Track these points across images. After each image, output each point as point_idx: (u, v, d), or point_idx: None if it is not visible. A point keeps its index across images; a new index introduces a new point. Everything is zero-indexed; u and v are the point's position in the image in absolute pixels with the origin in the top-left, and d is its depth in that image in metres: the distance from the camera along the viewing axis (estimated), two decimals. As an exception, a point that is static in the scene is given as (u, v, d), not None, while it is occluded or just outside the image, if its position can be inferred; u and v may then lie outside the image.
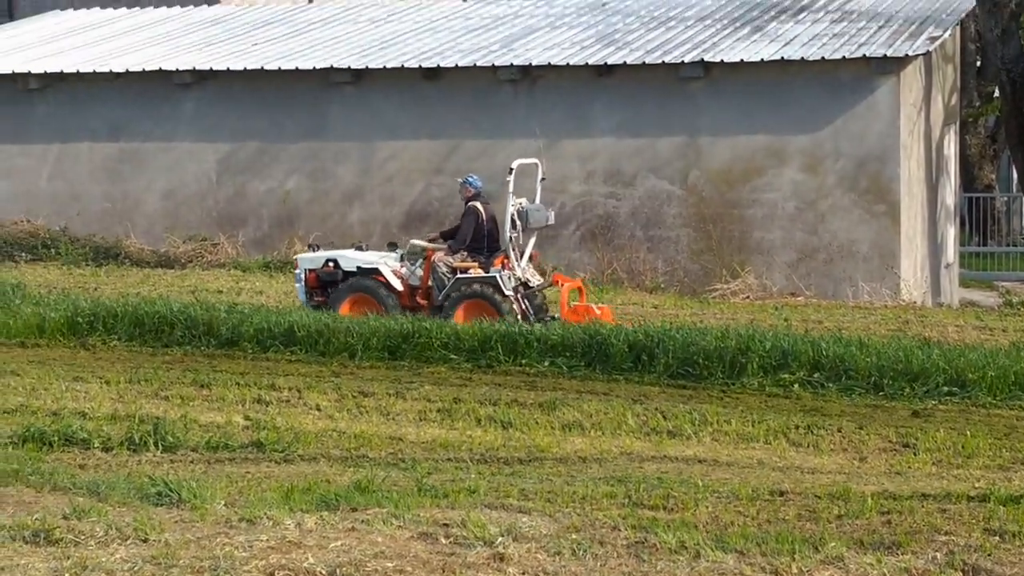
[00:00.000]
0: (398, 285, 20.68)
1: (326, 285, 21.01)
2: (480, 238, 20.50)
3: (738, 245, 26.02)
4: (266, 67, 28.26)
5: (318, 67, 27.96)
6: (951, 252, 30.29)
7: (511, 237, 20.43)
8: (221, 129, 28.84)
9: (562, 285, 20.89)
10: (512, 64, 26.93)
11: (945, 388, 16.67)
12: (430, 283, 20.60)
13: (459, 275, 20.33)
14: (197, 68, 28.73)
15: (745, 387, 17.10)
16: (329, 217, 28.17)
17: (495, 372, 18.11)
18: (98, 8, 36.62)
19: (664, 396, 16.81)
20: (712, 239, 26.09)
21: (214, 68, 28.63)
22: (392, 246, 21.73)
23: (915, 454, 14.30)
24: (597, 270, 26.28)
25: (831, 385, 16.96)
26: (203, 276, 26.77)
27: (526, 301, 20.47)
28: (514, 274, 20.35)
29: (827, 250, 25.69)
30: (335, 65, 27.92)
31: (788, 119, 25.81)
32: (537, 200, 21.34)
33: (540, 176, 21.66)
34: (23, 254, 28.63)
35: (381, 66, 27.66)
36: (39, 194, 29.89)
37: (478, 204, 20.64)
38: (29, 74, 29.62)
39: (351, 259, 21.03)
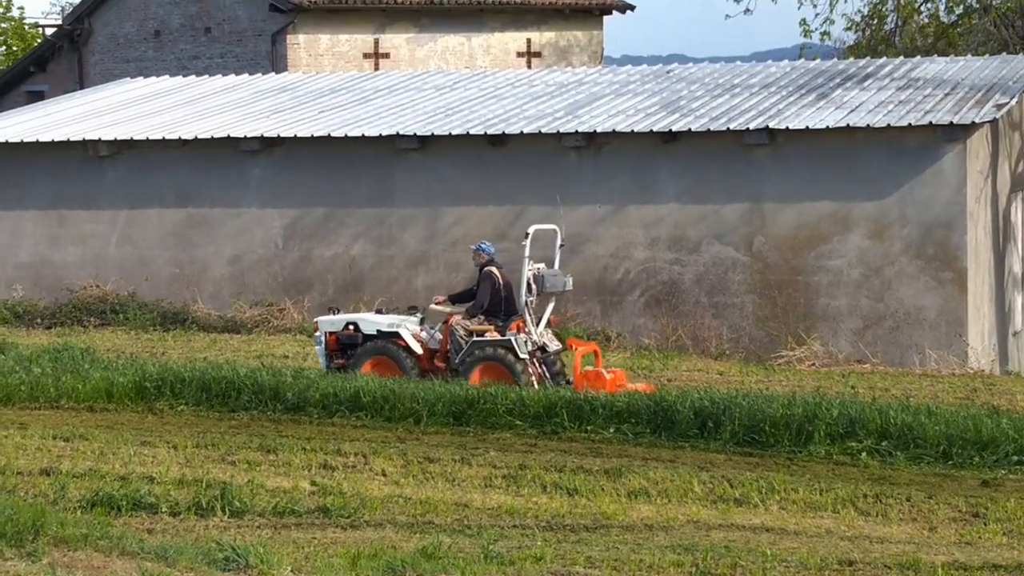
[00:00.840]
0: (418, 348, 20.97)
1: (346, 348, 21.29)
2: (497, 302, 20.81)
3: (803, 312, 25.91)
4: (333, 134, 28.49)
5: (384, 134, 28.17)
6: (1019, 320, 30.02)
7: (527, 301, 20.73)
8: (288, 195, 29.07)
9: (576, 349, 21.09)
10: (577, 131, 27.04)
11: (1015, 457, 16.50)
12: (448, 346, 20.86)
13: (475, 338, 20.60)
14: (265, 135, 29.00)
15: (812, 455, 16.99)
16: (394, 282, 28.29)
17: (560, 439, 18.09)
18: (167, 76, 37.05)
19: (730, 464, 16.73)
20: (777, 305, 26.01)
21: (281, 135, 28.89)
22: (412, 310, 22.06)
23: (985, 524, 14.16)
24: (661, 336, 26.24)
25: (899, 454, 16.83)
26: (269, 341, 26.91)
27: (543, 366, 20.76)
28: (530, 338, 20.63)
29: (894, 317, 25.55)
30: (401, 132, 28.13)
31: (854, 185, 25.75)
32: (556, 266, 21.65)
33: (559, 242, 21.94)
34: (92, 319, 28.88)
35: (447, 133, 27.83)
36: (108, 259, 30.19)
37: (494, 269, 21.04)
38: (100, 141, 29.98)
39: (371, 322, 21.30)
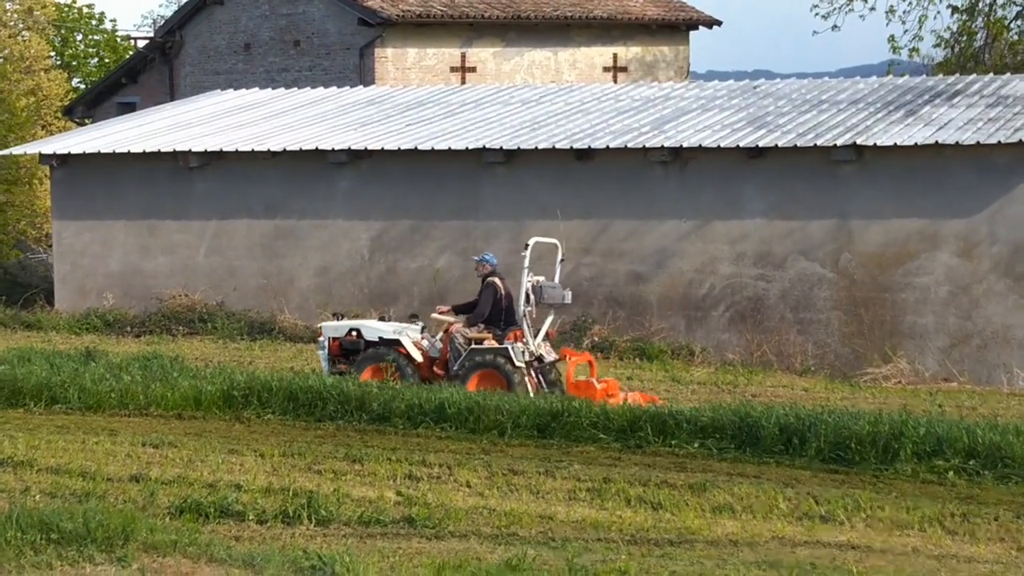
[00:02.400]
0: (418, 356, 21.61)
1: (349, 353, 21.95)
2: (497, 312, 21.50)
3: (890, 329, 25.75)
4: (419, 147, 28.65)
5: (471, 147, 28.29)
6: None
7: (525, 312, 21.32)
8: (374, 207, 29.27)
9: (570, 359, 21.53)
10: (663, 146, 27.04)
11: (1104, 478, 16.33)
12: (448, 354, 21.42)
13: (474, 346, 21.22)
14: (352, 148, 29.21)
15: (898, 473, 16.88)
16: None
17: (644, 452, 18.08)
18: (256, 88, 37.40)
19: (816, 480, 16.66)
20: (863, 322, 25.86)
21: (369, 148, 29.08)
22: (413, 318, 22.72)
23: (1074, 545, 14.02)
24: (746, 352, 26.16)
25: (987, 473, 16.69)
26: (354, 352, 27.01)
27: (539, 375, 21.32)
28: (527, 348, 21.19)
29: (981, 336, 25.34)
30: (487, 145, 28.24)
31: (942, 203, 25.58)
32: (556, 279, 22.19)
33: (560, 257, 22.55)
34: (180, 328, 29.19)
35: (533, 147, 27.91)
36: (197, 269, 30.52)
37: (496, 280, 21.69)
38: (190, 152, 30.31)
39: (374, 329, 22.03)
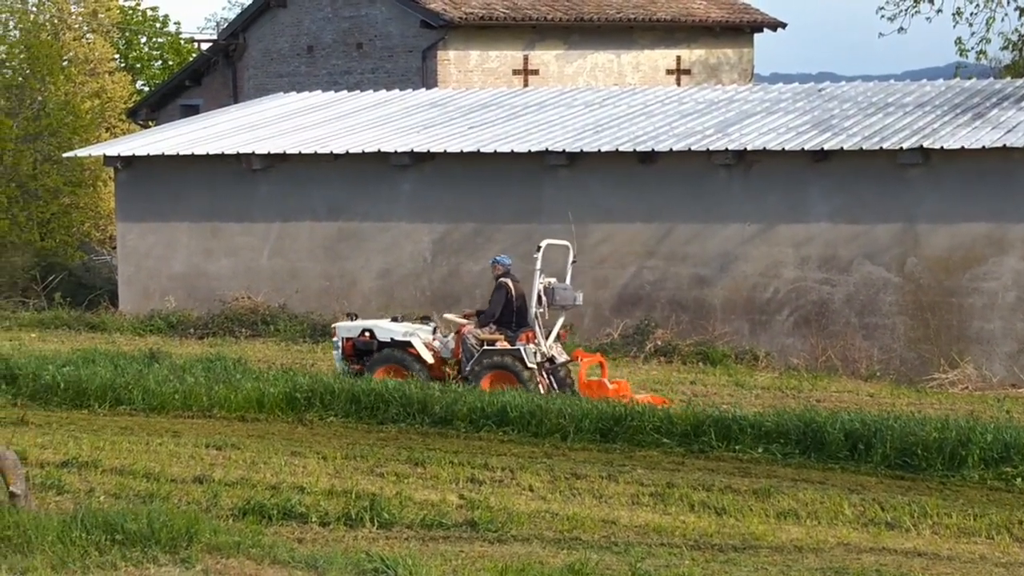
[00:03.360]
0: (428, 357, 21.86)
1: (362, 354, 22.19)
2: (509, 313, 21.67)
3: (956, 334, 25.51)
4: (482, 150, 28.63)
5: (533, 150, 28.24)
6: None
7: (537, 313, 21.49)
8: (437, 210, 29.26)
9: (581, 360, 21.82)
10: (727, 149, 26.89)
11: None
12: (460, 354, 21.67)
13: (486, 347, 21.41)
14: (415, 150, 29.22)
15: (965, 480, 16.71)
16: (541, 298, 28.27)
17: (708, 457, 17.98)
18: (319, 91, 37.50)
19: (882, 486, 16.51)
20: (930, 327, 25.63)
21: (431, 150, 29.08)
22: (425, 319, 23.04)
23: None
24: (811, 356, 25.97)
25: (1055, 480, 16.49)
26: (416, 355, 27.02)
27: (551, 376, 21.53)
28: (539, 349, 21.36)
29: (1049, 341, 25.05)
30: (550, 148, 28.17)
31: (1010, 207, 25.30)
32: (567, 281, 22.30)
33: (571, 258, 22.68)
34: (243, 329, 29.27)
35: (596, 149, 27.82)
36: (260, 271, 30.61)
37: (508, 281, 21.86)
38: (253, 154, 30.41)
39: (386, 330, 22.26)
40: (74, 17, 46.15)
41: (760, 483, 16.39)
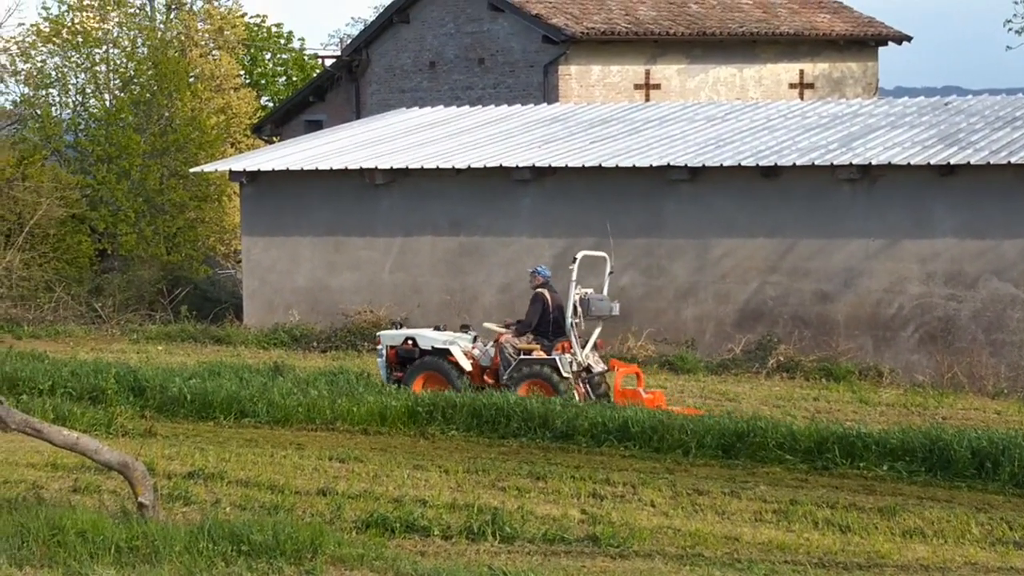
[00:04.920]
0: (467, 365, 22.41)
1: (405, 362, 22.82)
2: (545, 323, 22.29)
3: (1087, 352, 25.05)
4: (603, 164, 28.61)
5: (655, 165, 28.17)
6: None
7: (572, 323, 22.00)
8: (558, 224, 29.28)
9: (617, 370, 22.23)
10: (851, 163, 26.64)
11: None
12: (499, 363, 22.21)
13: (522, 356, 21.99)
14: (536, 165, 29.27)
15: (1097, 500, 16.41)
16: (663, 313, 28.25)
17: (831, 474, 17.83)
18: (441, 106, 37.70)
19: (1009, 505, 16.27)
20: (1059, 345, 25.20)
21: (553, 165, 29.12)
22: (465, 328, 23.50)
23: None
24: (936, 373, 25.62)
25: None
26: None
27: (588, 385, 21.98)
28: (575, 359, 21.89)
29: None
30: (672, 163, 28.09)
31: None
32: (605, 291, 22.94)
33: (608, 269, 23.42)
34: (366, 343, 29.45)
35: (718, 164, 27.70)
36: (382, 285, 30.82)
37: (545, 292, 22.51)
38: (376, 169, 30.64)
39: (428, 338, 22.91)
40: (201, 34, 46.82)
41: (885, 501, 16.22)
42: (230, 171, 33.34)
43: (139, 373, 23.07)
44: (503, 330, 22.62)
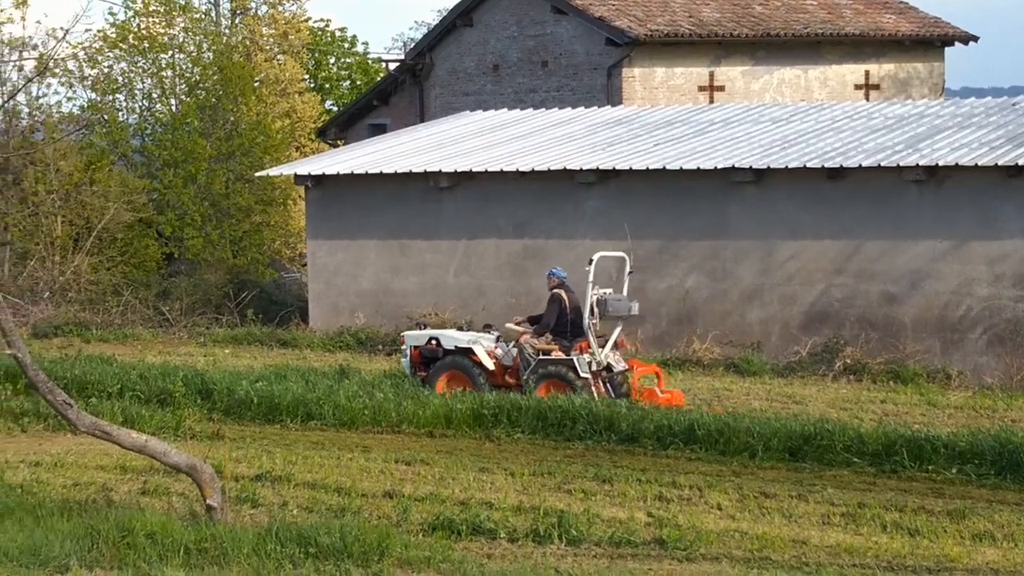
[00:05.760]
0: (489, 364, 22.73)
1: (428, 361, 23.16)
2: (563, 324, 22.54)
3: None
4: (668, 167, 28.54)
5: (720, 167, 28.08)
6: None
7: (590, 324, 22.26)
8: (621, 227, 29.18)
9: (636, 369, 22.64)
10: (918, 164, 26.46)
11: None
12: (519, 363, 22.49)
13: (541, 356, 22.24)
14: (600, 167, 29.24)
15: None
16: (728, 316, 28.15)
17: (900, 478, 17.73)
18: (505, 109, 37.73)
19: (1081, 509, 16.10)
20: None
21: (616, 167, 29.09)
22: (488, 328, 23.83)
23: None
24: (1005, 376, 25.40)
25: None
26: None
27: (608, 384, 22.26)
28: (594, 359, 22.13)
29: None
30: (736, 165, 27.99)
31: None
32: (624, 292, 23.25)
33: (628, 269, 23.65)
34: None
35: (783, 166, 27.58)
36: (447, 288, 30.87)
37: (562, 293, 22.80)
38: (440, 172, 30.71)
39: (451, 338, 23.30)
40: (265, 39, 47.05)
41: (954, 504, 16.10)
42: (295, 175, 33.51)
43: (206, 376, 23.22)
44: (523, 330, 22.84)
